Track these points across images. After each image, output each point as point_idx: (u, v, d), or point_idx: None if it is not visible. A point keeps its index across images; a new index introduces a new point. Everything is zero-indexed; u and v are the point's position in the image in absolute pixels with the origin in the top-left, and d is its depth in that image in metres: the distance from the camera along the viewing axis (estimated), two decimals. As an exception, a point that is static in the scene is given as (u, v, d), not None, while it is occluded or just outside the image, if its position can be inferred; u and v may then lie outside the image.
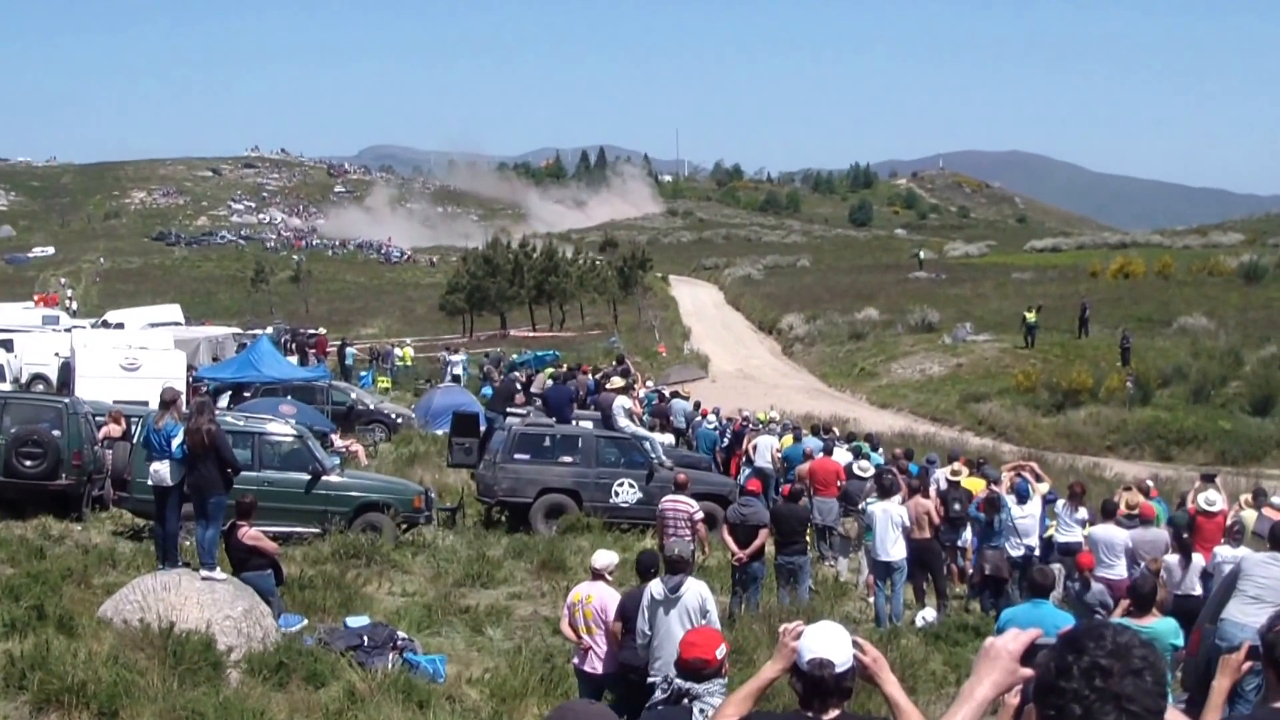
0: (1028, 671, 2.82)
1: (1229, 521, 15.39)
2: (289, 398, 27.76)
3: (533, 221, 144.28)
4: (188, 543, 14.24)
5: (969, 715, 2.88)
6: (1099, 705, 2.36)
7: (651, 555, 10.18)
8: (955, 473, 19.12)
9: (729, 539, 14.74)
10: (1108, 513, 15.64)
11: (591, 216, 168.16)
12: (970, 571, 17.87)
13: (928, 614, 15.79)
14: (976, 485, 18.64)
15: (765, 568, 15.35)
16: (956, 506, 17.78)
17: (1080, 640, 2.46)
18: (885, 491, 16.18)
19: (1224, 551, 13.12)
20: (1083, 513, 17.09)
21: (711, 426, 29.11)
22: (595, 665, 10.04)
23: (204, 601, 11.41)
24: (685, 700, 6.17)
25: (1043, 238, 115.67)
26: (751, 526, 14.80)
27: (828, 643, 4.33)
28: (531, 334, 70.47)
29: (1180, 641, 9.89)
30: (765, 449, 24.77)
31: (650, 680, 8.82)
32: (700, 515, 15.21)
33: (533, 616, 14.33)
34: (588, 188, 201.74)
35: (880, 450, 24.47)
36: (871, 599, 16.11)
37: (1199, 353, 48.00)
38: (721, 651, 6.14)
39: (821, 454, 20.81)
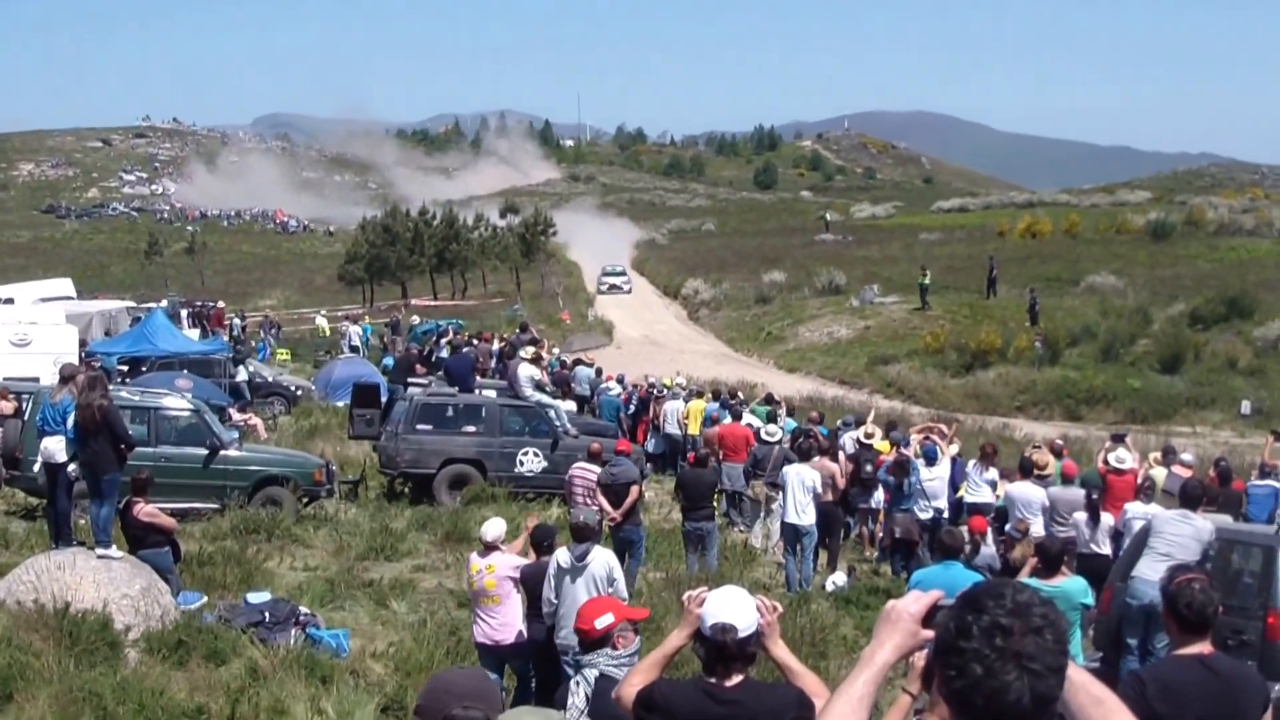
0: (929, 633, 2.80)
1: (1140, 479, 15.69)
2: (185, 372, 27.20)
3: (416, 189, 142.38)
4: (82, 521, 13.92)
5: (870, 679, 2.82)
6: (999, 664, 2.34)
7: (546, 530, 10.10)
8: (868, 435, 19.19)
9: (603, 500, 14.49)
10: (1026, 471, 15.82)
11: (483, 184, 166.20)
12: (880, 535, 17.97)
13: (838, 578, 15.84)
14: (888, 448, 18.66)
15: (642, 532, 15.15)
16: (868, 468, 17.82)
17: (980, 599, 2.44)
18: (803, 455, 16.18)
19: (1135, 509, 13.34)
20: (992, 473, 17.28)
21: (616, 393, 29.08)
22: (495, 636, 9.97)
23: (100, 580, 11.18)
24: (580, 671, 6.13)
25: (949, 198, 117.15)
26: (622, 485, 14.66)
27: (730, 608, 4.31)
28: (433, 303, 69.83)
29: (1090, 600, 10.02)
30: (672, 415, 24.79)
31: (561, 650, 8.80)
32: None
33: (437, 589, 14.23)
34: (476, 154, 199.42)
35: (793, 415, 24.56)
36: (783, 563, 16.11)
37: (1107, 312, 48.80)
38: (603, 622, 6.08)
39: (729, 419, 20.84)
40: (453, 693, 3.32)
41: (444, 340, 31.05)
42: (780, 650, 4.31)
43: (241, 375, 29.89)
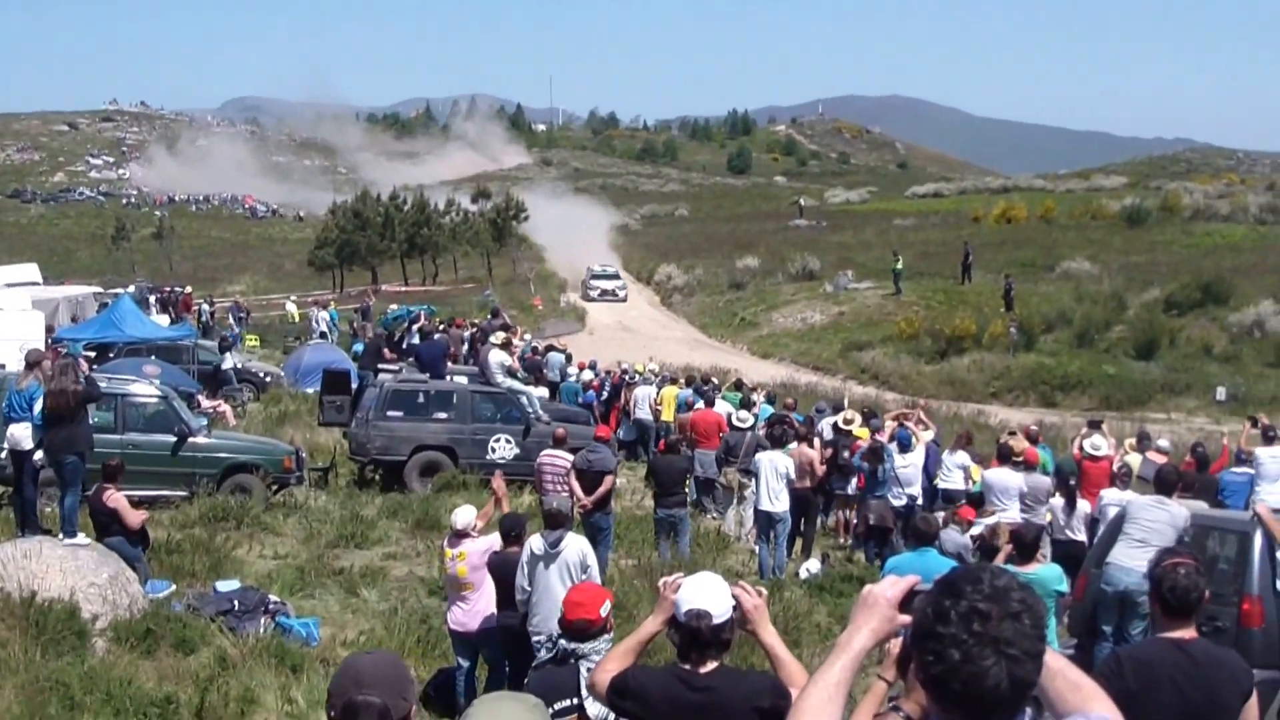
0: (905, 619, 2.80)
1: (1115, 466, 15.74)
2: (153, 358, 26.98)
3: (386, 173, 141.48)
4: (49, 509, 13.79)
5: (847, 664, 2.82)
6: (977, 649, 2.34)
7: (514, 519, 10.03)
8: (847, 421, 19.17)
9: (575, 485, 14.45)
10: (1003, 457, 15.83)
11: (454, 168, 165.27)
12: (854, 522, 17.95)
13: (811, 565, 15.78)
14: (866, 435, 18.62)
15: (611, 519, 15.09)
16: (845, 455, 17.79)
17: (958, 584, 2.44)
18: (776, 442, 16.11)
19: (1110, 495, 13.38)
20: (962, 457, 17.29)
21: (586, 379, 29.02)
22: (468, 624, 9.92)
23: (67, 569, 11.06)
24: (572, 660, 6.08)
25: (924, 183, 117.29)
26: (597, 473, 14.62)
27: (705, 594, 4.29)
28: (404, 289, 69.55)
29: (1065, 588, 9.99)
30: (644, 400, 24.74)
31: (534, 638, 8.74)
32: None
33: (408, 577, 14.15)
34: (447, 138, 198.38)
35: (773, 402, 24.52)
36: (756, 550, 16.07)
37: (1082, 297, 48.82)
38: (606, 608, 6.07)
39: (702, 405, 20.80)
40: (356, 679, 3.23)
41: (414, 326, 30.89)
42: (770, 638, 4.28)
43: (228, 362, 29.75)
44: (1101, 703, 2.77)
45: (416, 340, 27.26)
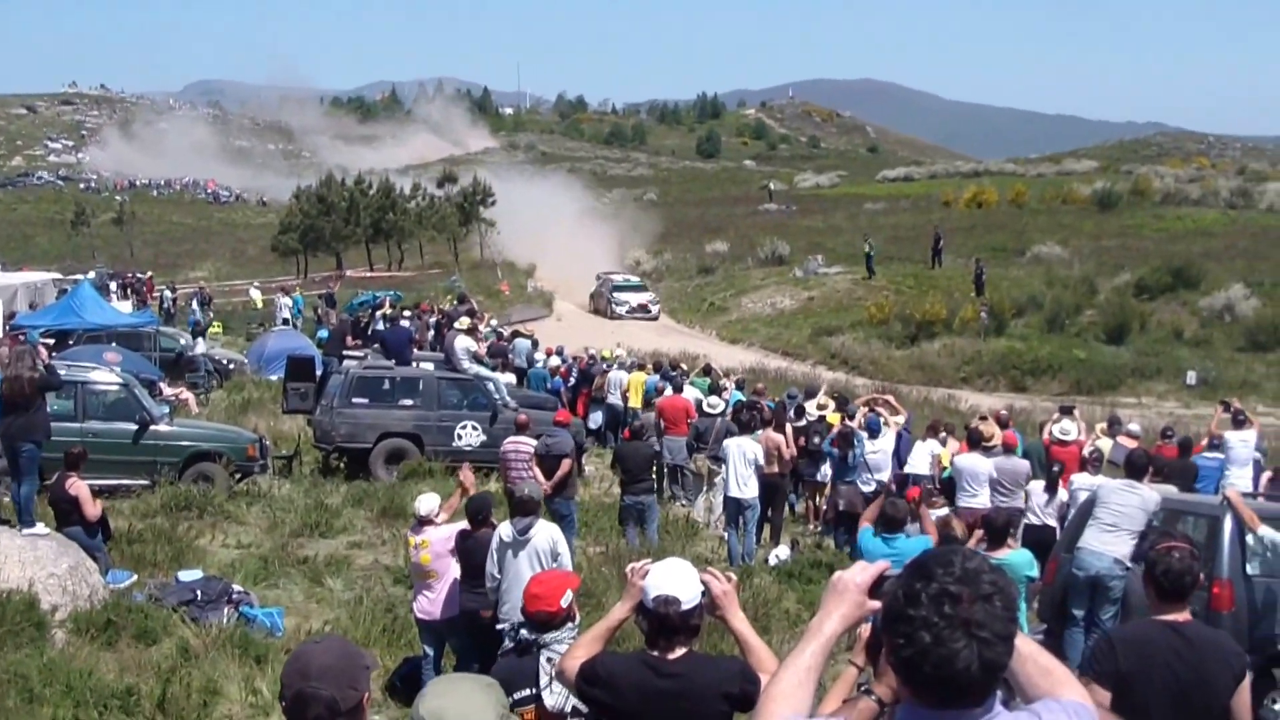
0: (875, 604, 2.81)
1: (1086, 450, 15.84)
2: (114, 345, 26.71)
3: (351, 157, 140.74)
4: (6, 498, 13.60)
5: (817, 650, 2.82)
6: (948, 632, 2.34)
7: (479, 501, 9.92)
8: (821, 406, 19.10)
9: (536, 471, 14.40)
10: (973, 442, 15.87)
11: (420, 152, 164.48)
12: (824, 508, 17.91)
13: (781, 552, 15.69)
14: (837, 420, 18.51)
15: (573, 505, 15.06)
16: (816, 440, 17.76)
17: (929, 567, 2.43)
18: (744, 428, 16.06)
19: (1081, 480, 13.46)
20: (932, 444, 17.35)
21: (554, 365, 28.90)
22: (433, 612, 9.84)
23: (25, 559, 10.93)
24: (534, 650, 6.01)
25: (895, 167, 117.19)
26: (555, 457, 14.58)
27: (673, 580, 4.28)
28: (369, 274, 69.21)
29: (1035, 573, 10.05)
30: (615, 385, 24.63)
31: (500, 625, 8.66)
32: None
33: (373, 566, 14.04)
34: (413, 122, 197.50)
35: (741, 388, 24.47)
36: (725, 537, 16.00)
37: (1053, 282, 49.13)
38: (568, 598, 5.99)
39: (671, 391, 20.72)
40: (303, 671, 3.19)
41: (379, 312, 30.71)
42: (739, 624, 4.29)
43: (200, 348, 29.49)
44: (1072, 688, 2.75)
45: (381, 326, 27.08)
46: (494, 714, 2.81)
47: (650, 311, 54.90)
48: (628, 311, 54.08)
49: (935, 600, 2.37)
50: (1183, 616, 5.20)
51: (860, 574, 2.91)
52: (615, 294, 55.76)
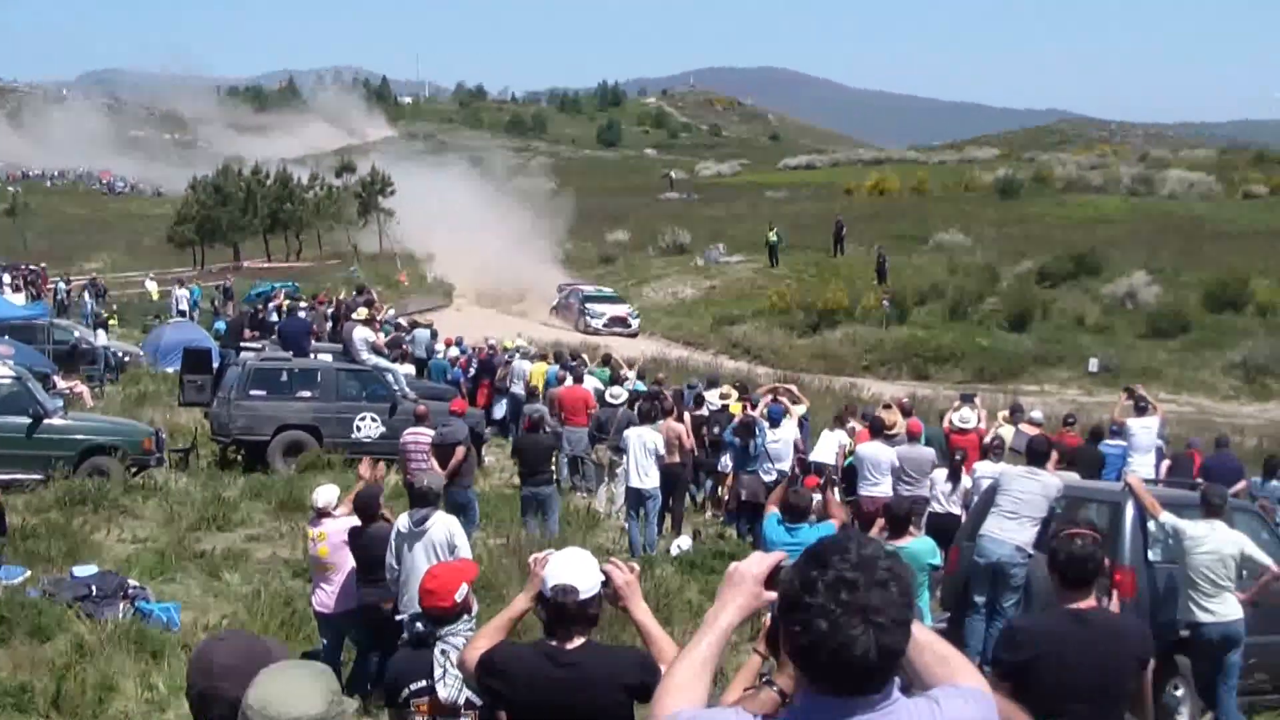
0: (771, 594, 2.84)
1: (989, 438, 16.00)
2: (5, 337, 26.15)
3: (248, 147, 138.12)
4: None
5: (713, 641, 2.84)
6: (845, 619, 2.35)
7: (366, 495, 9.89)
8: (725, 396, 19.12)
9: (433, 461, 14.44)
10: (875, 430, 15.91)
11: (316, 142, 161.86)
12: (726, 497, 17.91)
13: (682, 542, 15.67)
14: (739, 410, 18.28)
15: (472, 494, 15.11)
16: (716, 430, 17.76)
17: (824, 554, 2.44)
18: (645, 417, 16.05)
19: (984, 468, 13.56)
20: (840, 434, 17.43)
21: (454, 356, 28.82)
22: (329, 604, 9.88)
23: (-87, 557, 10.73)
24: (430, 643, 6.10)
25: (797, 155, 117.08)
26: (449, 445, 14.62)
27: (571, 570, 4.33)
28: (267, 265, 68.29)
29: (937, 561, 10.07)
30: (519, 375, 24.56)
31: (399, 616, 8.73)
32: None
33: (271, 559, 13.97)
34: (310, 112, 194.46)
35: (644, 378, 24.56)
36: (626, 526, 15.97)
37: (955, 270, 49.29)
38: (463, 592, 6.07)
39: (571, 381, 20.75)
40: (206, 669, 3.22)
41: (272, 304, 30.41)
42: (640, 613, 4.32)
43: (101, 340, 28.95)
44: (969, 674, 2.78)
45: (275, 319, 26.84)
46: (321, 701, 2.85)
47: (630, 326, 48.64)
48: (605, 325, 47.90)
49: (832, 588, 2.37)
50: (1088, 604, 5.21)
51: (756, 564, 2.92)
52: (588, 306, 49.49)
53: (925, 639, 2.75)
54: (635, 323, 49.07)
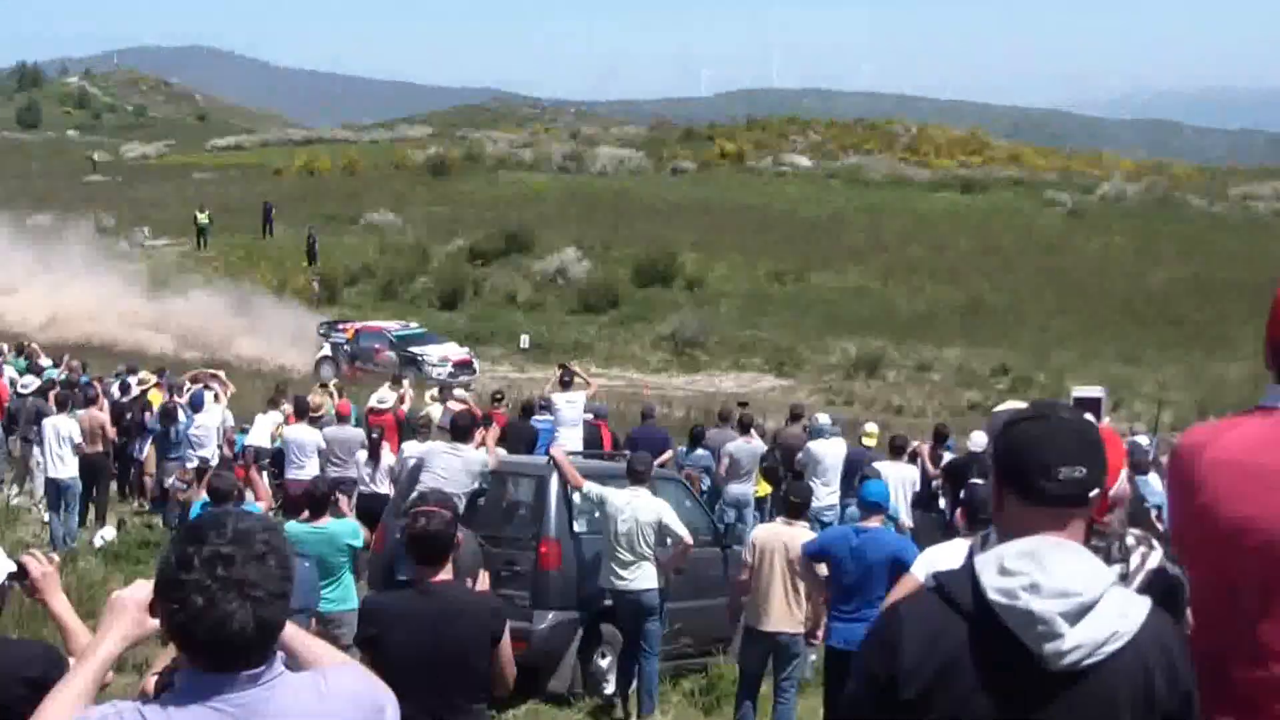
0: (155, 622, 2.72)
1: (419, 417, 16.66)
2: None
3: None
4: None
5: (89, 674, 2.76)
6: (222, 594, 2.35)
7: None
8: (142, 382, 18.94)
9: None
10: (301, 412, 16.14)
11: None
12: (150, 485, 17.73)
13: (107, 533, 15.35)
14: (157, 398, 18.40)
15: None
16: (129, 416, 17.79)
17: (201, 530, 2.44)
18: (60, 406, 15.87)
19: (411, 447, 13.68)
20: (275, 417, 17.42)
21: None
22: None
23: None
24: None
25: (225, 136, 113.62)
26: None
27: None
28: None
29: (359, 542, 9.90)
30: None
31: None
32: None
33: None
34: None
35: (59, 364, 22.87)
36: (48, 520, 15.44)
37: (386, 249, 49.29)
38: None
39: None
40: None
41: None
42: (58, 605, 4.15)
43: None
44: (333, 655, 2.95)
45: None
46: None
47: (473, 370, 34.52)
48: (449, 374, 32.19)
49: (208, 563, 2.36)
50: (442, 577, 5.27)
51: (139, 590, 2.84)
52: (414, 351, 34.80)
53: (292, 631, 2.81)
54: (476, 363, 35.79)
